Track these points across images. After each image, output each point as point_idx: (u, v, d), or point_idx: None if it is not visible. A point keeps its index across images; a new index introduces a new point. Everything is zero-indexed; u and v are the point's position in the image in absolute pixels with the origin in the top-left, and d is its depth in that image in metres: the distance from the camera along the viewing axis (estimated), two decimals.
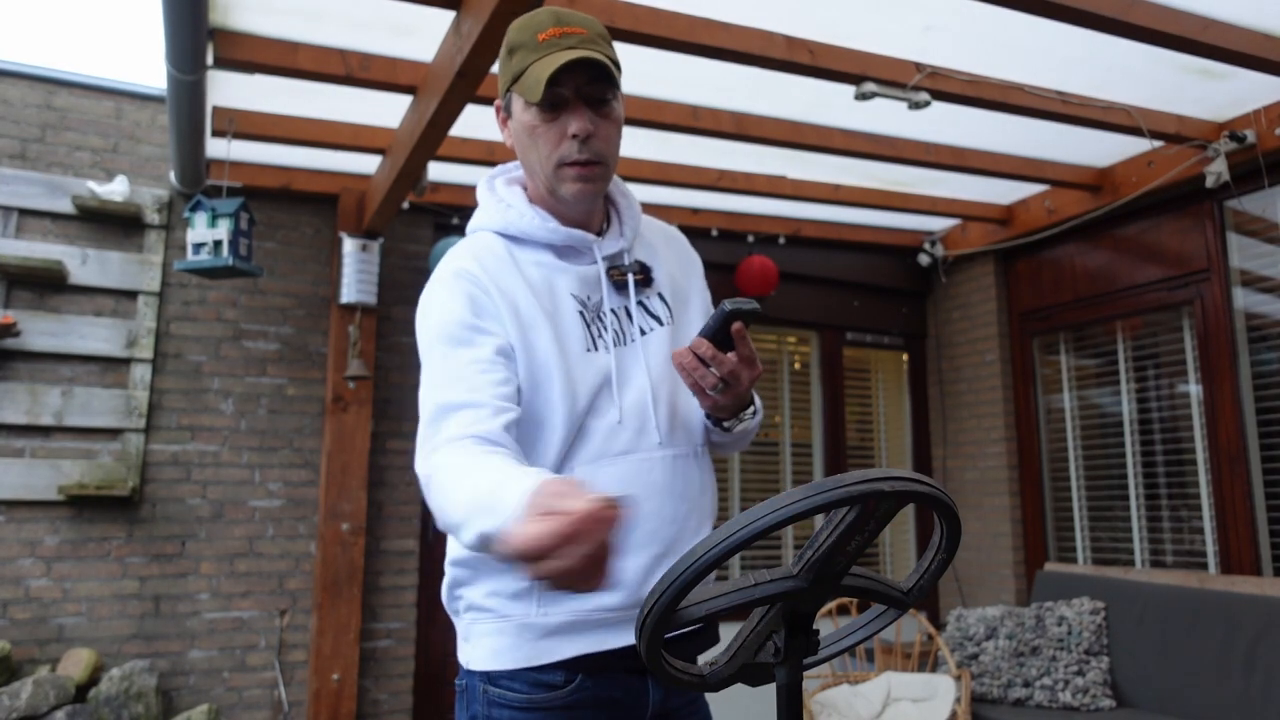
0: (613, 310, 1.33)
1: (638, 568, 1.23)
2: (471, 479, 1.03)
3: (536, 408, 1.23)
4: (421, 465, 1.17)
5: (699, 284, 1.48)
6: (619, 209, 1.41)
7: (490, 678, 1.24)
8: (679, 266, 1.45)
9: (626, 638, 1.23)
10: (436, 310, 1.25)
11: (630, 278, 1.35)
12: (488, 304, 1.24)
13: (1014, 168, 3.94)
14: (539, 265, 1.30)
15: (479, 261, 1.27)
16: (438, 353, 1.23)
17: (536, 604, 1.23)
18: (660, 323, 1.37)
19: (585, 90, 1.24)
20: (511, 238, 1.32)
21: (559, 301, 1.29)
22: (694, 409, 1.36)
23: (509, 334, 1.23)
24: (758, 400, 1.41)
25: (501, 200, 1.34)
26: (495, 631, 1.25)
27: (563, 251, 1.32)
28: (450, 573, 1.31)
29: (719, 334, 1.23)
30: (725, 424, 1.35)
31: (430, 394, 1.20)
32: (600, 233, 1.37)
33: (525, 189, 1.36)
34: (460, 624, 1.32)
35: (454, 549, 1.31)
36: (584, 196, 1.28)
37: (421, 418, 1.21)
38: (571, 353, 1.26)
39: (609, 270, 1.34)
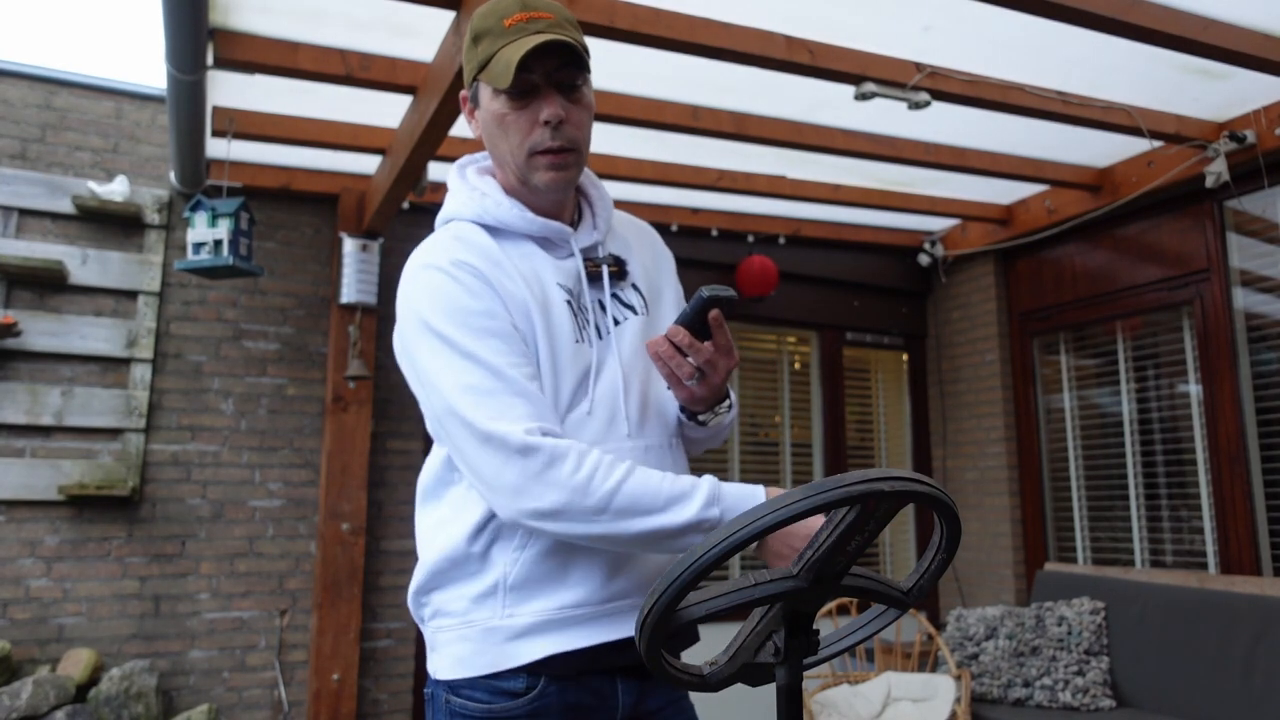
0: (589, 304, 1.29)
1: (601, 562, 1.19)
2: (647, 474, 1.11)
3: None
4: (511, 430, 1.09)
5: (671, 278, 1.44)
6: (590, 200, 1.36)
7: (452, 687, 1.20)
8: (652, 261, 1.42)
9: (595, 636, 1.18)
10: (444, 299, 1.17)
11: (605, 270, 1.30)
12: (492, 295, 1.19)
13: (1014, 168, 3.94)
14: (524, 257, 1.25)
15: (471, 252, 1.21)
16: (463, 340, 1.14)
17: (502, 605, 1.18)
18: (634, 311, 1.32)
19: (555, 76, 1.20)
20: (489, 228, 1.26)
21: (548, 293, 1.24)
22: (667, 400, 1.32)
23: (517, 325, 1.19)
24: (733, 395, 1.36)
25: (475, 189, 1.28)
26: (459, 639, 1.20)
27: (541, 243, 1.28)
28: (418, 579, 1.26)
29: (696, 322, 1.20)
30: (700, 417, 1.31)
31: (472, 379, 1.12)
32: (573, 224, 1.33)
33: (496, 179, 1.31)
34: (426, 632, 1.27)
35: (428, 554, 1.25)
36: (557, 185, 1.24)
37: (463, 402, 1.12)
38: (562, 344, 1.22)
39: (585, 262, 1.30)
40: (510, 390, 1.13)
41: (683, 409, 1.31)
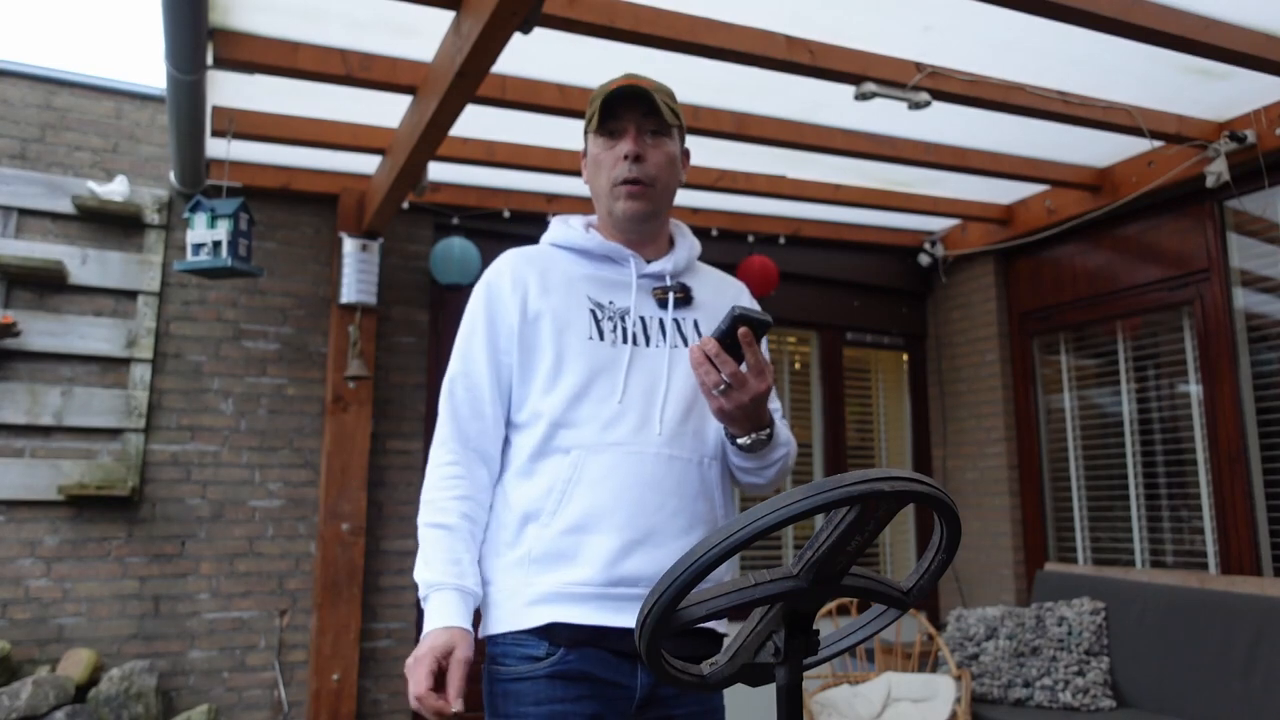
0: (642, 318, 1.45)
1: (608, 548, 1.33)
2: (450, 533, 1.39)
3: (526, 377, 1.42)
4: (438, 453, 1.44)
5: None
6: (675, 244, 1.57)
7: (492, 657, 1.38)
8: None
9: (598, 617, 1.32)
10: (468, 312, 1.47)
11: (670, 295, 1.48)
12: (499, 308, 1.43)
13: (1014, 168, 3.93)
14: (565, 269, 1.47)
15: (511, 264, 1.47)
16: (462, 346, 1.46)
17: (525, 575, 1.36)
18: (686, 344, 1.47)
19: (641, 124, 1.43)
20: (559, 247, 1.51)
21: (572, 296, 1.44)
22: (715, 424, 1.43)
23: (514, 328, 1.42)
24: (785, 433, 1.45)
25: (564, 223, 1.53)
26: (492, 603, 1.39)
27: (598, 261, 1.49)
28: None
29: (726, 337, 1.28)
30: (738, 441, 1.39)
31: (449, 381, 1.45)
32: (655, 259, 1.52)
33: (588, 227, 1.52)
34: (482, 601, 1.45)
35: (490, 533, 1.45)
36: (632, 214, 1.44)
37: (443, 395, 1.46)
38: (569, 335, 1.40)
39: (654, 289, 1.48)
40: (470, 416, 1.45)
41: (727, 433, 1.41)
